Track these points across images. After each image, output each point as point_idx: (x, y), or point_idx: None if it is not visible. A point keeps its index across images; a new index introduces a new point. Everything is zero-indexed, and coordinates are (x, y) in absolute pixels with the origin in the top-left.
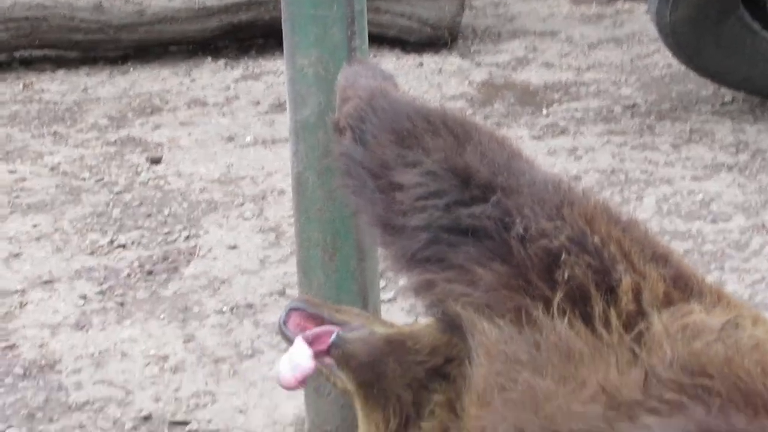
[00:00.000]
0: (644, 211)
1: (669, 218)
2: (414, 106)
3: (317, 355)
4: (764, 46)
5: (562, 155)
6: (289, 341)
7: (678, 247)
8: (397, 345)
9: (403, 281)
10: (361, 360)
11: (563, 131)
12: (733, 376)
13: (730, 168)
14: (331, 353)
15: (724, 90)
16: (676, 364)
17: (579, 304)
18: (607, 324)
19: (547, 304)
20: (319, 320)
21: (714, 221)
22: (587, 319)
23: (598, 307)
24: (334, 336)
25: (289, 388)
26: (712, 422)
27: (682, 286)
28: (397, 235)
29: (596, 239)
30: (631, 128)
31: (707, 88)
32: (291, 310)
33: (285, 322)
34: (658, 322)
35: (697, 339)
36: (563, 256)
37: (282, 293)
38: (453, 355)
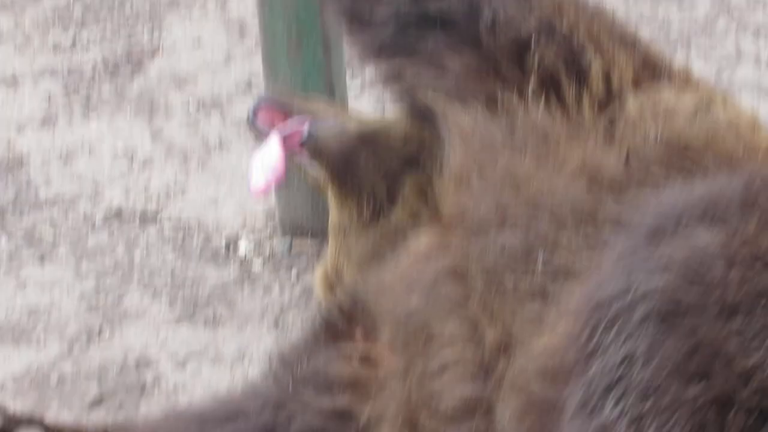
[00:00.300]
0: None
1: (636, 3)
2: None
3: (289, 151)
4: None
5: None
6: (260, 135)
7: (645, 32)
8: (370, 136)
9: (371, 71)
10: (335, 151)
11: None
12: (716, 154)
13: None
14: (304, 145)
15: None
16: (660, 143)
17: (551, 89)
18: (579, 107)
19: (519, 90)
20: (289, 113)
21: (680, 5)
22: (560, 104)
23: (570, 91)
24: (307, 128)
25: (260, 193)
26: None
27: (651, 69)
28: (365, 26)
29: (565, 25)
30: None
31: None
32: (260, 103)
33: (254, 117)
34: (632, 103)
35: (671, 119)
36: (533, 42)
37: (248, 87)
38: (423, 144)
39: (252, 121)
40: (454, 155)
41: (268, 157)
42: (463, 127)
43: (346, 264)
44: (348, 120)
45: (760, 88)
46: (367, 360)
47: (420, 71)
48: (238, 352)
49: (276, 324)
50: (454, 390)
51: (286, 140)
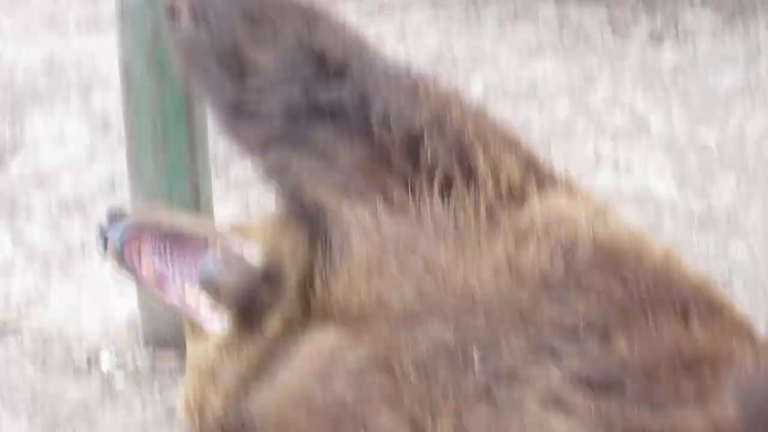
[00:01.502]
0: (472, 94)
1: (496, 102)
2: None
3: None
4: None
5: (390, 38)
6: (128, 268)
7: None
8: (272, 269)
9: (250, 167)
10: (239, 294)
11: (390, 13)
12: (651, 265)
13: (555, 49)
14: (202, 287)
15: None
16: (589, 243)
17: (442, 184)
18: (476, 205)
19: (411, 185)
20: (157, 234)
21: (541, 106)
22: (456, 200)
23: (464, 188)
24: (203, 268)
25: None
26: None
27: (535, 172)
28: (249, 120)
29: (454, 122)
30: (457, 8)
31: None
32: (124, 233)
33: (121, 251)
34: (533, 205)
35: (573, 221)
36: (425, 136)
37: (112, 187)
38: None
39: (119, 255)
40: (356, 248)
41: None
42: (363, 221)
43: (213, 394)
44: (230, 236)
45: (619, 194)
46: None
47: (308, 164)
48: None
49: None
50: None
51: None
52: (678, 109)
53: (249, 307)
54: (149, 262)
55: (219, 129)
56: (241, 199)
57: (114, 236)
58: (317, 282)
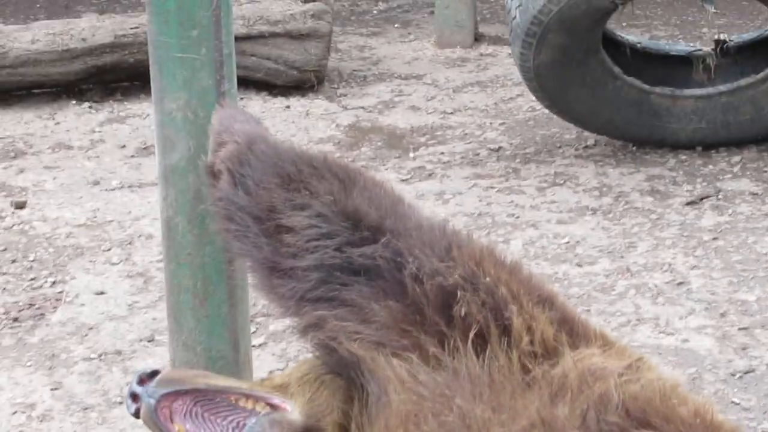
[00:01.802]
0: (511, 254)
1: (536, 261)
2: (296, 151)
3: None
4: (625, 89)
5: (430, 198)
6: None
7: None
8: (311, 427)
9: (287, 323)
10: None
11: (430, 174)
12: (678, 430)
13: (594, 211)
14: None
15: (587, 134)
16: (618, 407)
17: (476, 341)
18: (509, 361)
19: (442, 341)
20: (191, 395)
21: (580, 264)
22: (489, 356)
23: (498, 344)
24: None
25: None
26: None
27: (569, 330)
28: (285, 278)
29: (487, 279)
30: (497, 172)
31: (570, 131)
32: (158, 397)
33: (155, 413)
34: (567, 362)
35: (605, 379)
36: (459, 293)
37: (151, 339)
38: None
39: (152, 417)
40: (395, 401)
41: None
42: (401, 376)
43: None
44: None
45: (659, 351)
46: None
47: (343, 320)
48: None
49: None
50: None
51: None
52: (718, 270)
53: None
54: (182, 426)
55: (255, 286)
56: (280, 354)
57: (147, 399)
58: None
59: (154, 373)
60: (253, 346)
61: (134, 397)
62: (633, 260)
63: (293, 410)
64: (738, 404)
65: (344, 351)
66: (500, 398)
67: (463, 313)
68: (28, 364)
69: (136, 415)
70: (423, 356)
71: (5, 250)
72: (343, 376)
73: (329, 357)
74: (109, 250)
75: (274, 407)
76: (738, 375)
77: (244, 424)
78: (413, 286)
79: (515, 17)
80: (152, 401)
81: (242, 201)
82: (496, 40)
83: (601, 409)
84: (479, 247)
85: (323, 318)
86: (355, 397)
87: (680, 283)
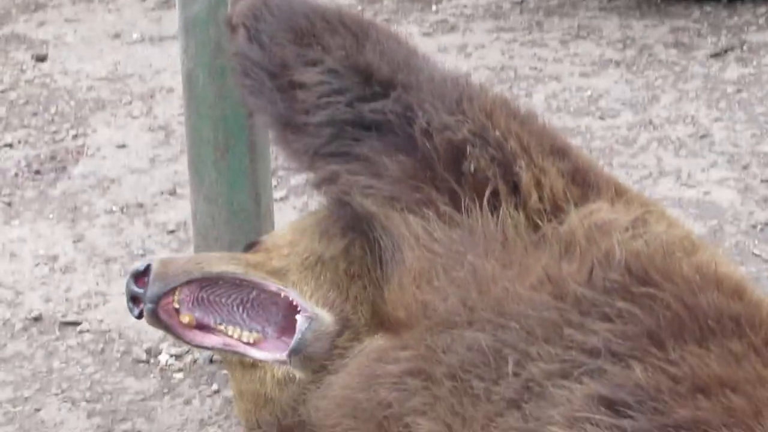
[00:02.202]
0: (534, 107)
1: (558, 114)
2: (310, 4)
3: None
4: None
5: (452, 52)
6: (167, 327)
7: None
8: (345, 318)
9: (304, 177)
10: (321, 355)
11: (453, 28)
12: (677, 286)
13: (617, 64)
14: (290, 360)
15: None
16: (621, 266)
17: (487, 197)
18: (520, 216)
19: (453, 197)
20: (191, 287)
21: (602, 117)
22: (499, 210)
23: (507, 198)
24: (297, 346)
25: None
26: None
27: (580, 181)
28: (299, 133)
29: (497, 133)
30: (520, 24)
31: None
32: (158, 294)
33: (156, 312)
34: (575, 217)
35: (610, 236)
36: (468, 148)
37: (173, 192)
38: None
39: (154, 317)
40: (409, 258)
41: None
42: (417, 232)
43: (268, 414)
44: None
45: (681, 203)
46: None
47: (355, 174)
48: None
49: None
50: None
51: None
52: (742, 122)
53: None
54: (187, 315)
55: (273, 141)
56: (301, 207)
57: (147, 305)
58: (370, 292)
59: (147, 269)
60: (275, 199)
61: (135, 299)
62: (656, 113)
63: (326, 317)
64: (758, 256)
65: (358, 205)
66: (511, 256)
67: (472, 169)
68: (50, 216)
69: (140, 317)
70: (436, 213)
71: (27, 103)
72: (357, 230)
73: (343, 211)
74: (130, 103)
75: (271, 294)
76: (759, 227)
77: (248, 300)
78: (423, 140)
79: None
80: (151, 306)
81: (257, 56)
82: None
83: (606, 266)
84: (491, 99)
85: (336, 172)
86: (368, 251)
87: (703, 136)
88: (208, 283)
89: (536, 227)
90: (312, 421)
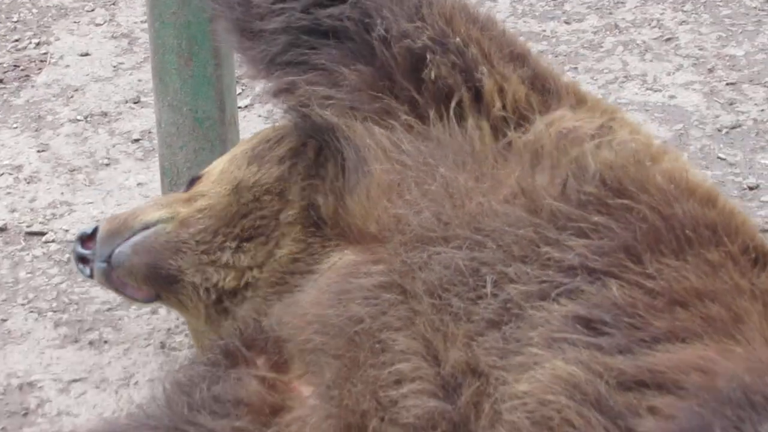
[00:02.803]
0: (499, 12)
1: (524, 19)
2: None
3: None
4: None
5: None
6: (118, 289)
7: (533, 48)
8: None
9: (262, 86)
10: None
11: None
12: (652, 197)
13: None
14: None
15: None
16: (595, 176)
17: (450, 106)
18: (484, 125)
19: (414, 106)
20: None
21: (567, 22)
22: (463, 120)
23: (471, 111)
24: (97, 262)
25: None
26: None
27: (540, 88)
28: (256, 40)
29: (457, 39)
30: None
31: None
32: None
33: (110, 275)
34: (539, 125)
35: (579, 145)
36: (428, 56)
37: (137, 101)
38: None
39: (107, 279)
40: (376, 170)
41: None
42: (383, 143)
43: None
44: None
45: (646, 107)
46: (272, 387)
47: (313, 84)
48: (124, 376)
49: (162, 346)
50: (415, 403)
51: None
52: (707, 25)
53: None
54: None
55: (231, 48)
56: (266, 115)
57: (98, 264)
58: (332, 203)
59: (94, 231)
60: (240, 107)
61: (83, 260)
62: (621, 16)
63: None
64: (724, 160)
65: (317, 117)
66: (482, 167)
67: (432, 77)
68: (14, 126)
69: (91, 276)
70: (399, 123)
71: None
72: (318, 140)
73: (303, 123)
74: (93, 10)
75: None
76: (725, 130)
77: None
78: (381, 48)
79: None
80: (103, 265)
81: None
82: None
83: (579, 178)
84: (450, 4)
85: (294, 83)
86: (330, 162)
87: (668, 39)
88: None
89: (502, 136)
90: (279, 333)
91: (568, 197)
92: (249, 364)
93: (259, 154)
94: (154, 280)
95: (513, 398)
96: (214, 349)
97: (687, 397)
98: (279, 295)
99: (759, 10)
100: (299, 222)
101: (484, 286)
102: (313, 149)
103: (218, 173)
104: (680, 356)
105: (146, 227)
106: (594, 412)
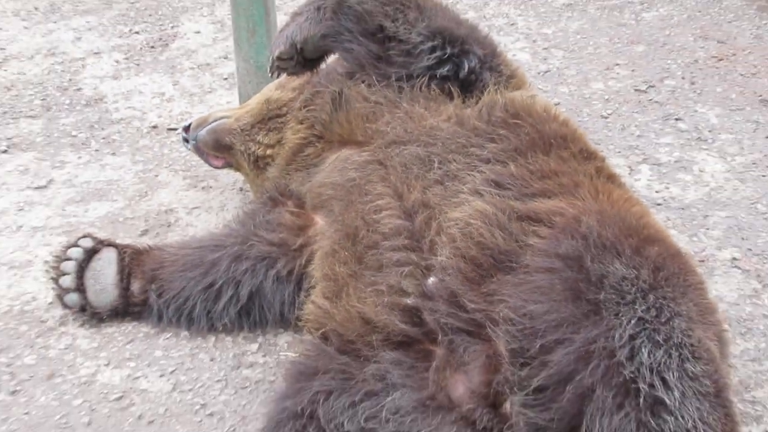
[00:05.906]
0: None
1: None
2: None
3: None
4: None
5: None
6: (205, 158)
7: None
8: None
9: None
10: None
11: None
12: (533, 119)
13: None
14: (191, 148)
15: None
16: (501, 106)
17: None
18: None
19: (381, 70)
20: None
21: None
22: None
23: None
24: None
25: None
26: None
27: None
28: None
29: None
30: None
31: None
32: (196, 138)
33: (199, 149)
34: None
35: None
36: (394, 37)
37: (225, 57)
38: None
39: (197, 151)
40: (354, 108)
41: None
42: (362, 92)
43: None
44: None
45: None
46: (298, 216)
47: (341, 47)
48: (221, 205)
49: (241, 190)
50: (388, 221)
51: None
52: (532, 18)
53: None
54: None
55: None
56: None
57: (190, 142)
58: (326, 117)
59: (190, 124)
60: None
61: (185, 140)
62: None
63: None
64: (540, 89)
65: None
66: (430, 104)
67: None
68: (160, 71)
69: (190, 149)
70: (378, 79)
71: (144, 9)
72: (324, 83)
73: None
74: (201, 8)
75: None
76: (541, 74)
77: None
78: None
79: None
80: (193, 142)
81: None
82: None
83: (492, 108)
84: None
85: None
86: (326, 96)
87: (512, 24)
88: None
89: (447, 91)
90: (298, 191)
91: (482, 118)
92: (283, 204)
93: (281, 84)
94: (219, 149)
95: (450, 221)
96: (263, 195)
97: (555, 228)
98: (293, 171)
99: (564, 6)
100: (302, 124)
101: (434, 164)
102: (312, 86)
103: (259, 95)
104: (547, 205)
105: (215, 120)
106: (497, 231)
